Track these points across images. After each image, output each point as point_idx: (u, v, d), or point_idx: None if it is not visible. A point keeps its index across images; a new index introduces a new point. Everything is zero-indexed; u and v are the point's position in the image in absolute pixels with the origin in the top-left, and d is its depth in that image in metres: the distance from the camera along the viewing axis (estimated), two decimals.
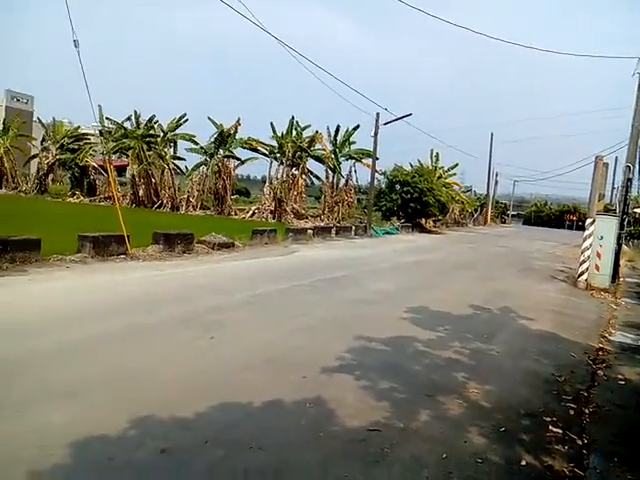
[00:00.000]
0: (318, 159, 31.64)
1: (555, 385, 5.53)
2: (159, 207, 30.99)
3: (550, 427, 4.38)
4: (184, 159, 33.64)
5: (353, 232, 23.45)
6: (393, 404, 4.60)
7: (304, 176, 31.43)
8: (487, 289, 11.48)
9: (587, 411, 4.80)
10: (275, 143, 30.84)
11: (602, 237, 13.17)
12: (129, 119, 32.67)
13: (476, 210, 51.98)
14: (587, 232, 13.26)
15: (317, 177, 33.05)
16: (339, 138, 31.41)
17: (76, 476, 3.21)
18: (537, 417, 4.59)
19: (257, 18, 16.93)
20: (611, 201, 37.86)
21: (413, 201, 30.57)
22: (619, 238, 14.29)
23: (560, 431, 4.32)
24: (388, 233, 26.59)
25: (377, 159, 26.82)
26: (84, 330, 6.02)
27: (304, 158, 30.71)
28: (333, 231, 21.96)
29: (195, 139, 31.79)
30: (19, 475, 3.10)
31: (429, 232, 32.10)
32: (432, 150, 38.35)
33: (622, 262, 16.49)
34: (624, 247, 17.89)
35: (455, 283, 12.29)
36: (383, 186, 32.78)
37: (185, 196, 31.35)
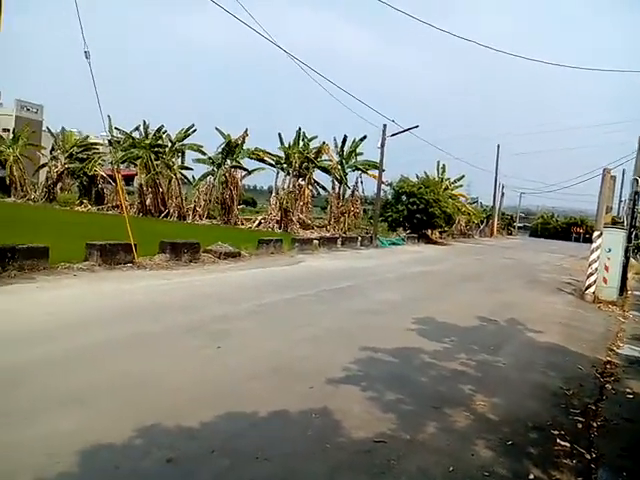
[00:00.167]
0: (325, 170, 31.77)
1: (563, 398, 5.48)
2: (166, 216, 31.15)
3: (558, 441, 4.34)
4: (192, 169, 33.90)
5: (359, 242, 23.44)
6: (399, 415, 4.58)
7: (310, 186, 31.54)
8: (494, 301, 11.43)
9: (595, 425, 4.76)
10: (282, 154, 31.01)
11: (610, 250, 13.09)
12: (137, 129, 33.00)
13: (482, 222, 51.83)
14: (595, 245, 13.20)
15: (323, 188, 33.17)
16: (346, 149, 31.55)
17: None
18: (545, 430, 4.55)
19: (264, 28, 17.08)
20: (619, 214, 37.67)
21: (419, 212, 30.55)
22: (627, 251, 14.21)
23: (568, 445, 4.28)
24: (394, 244, 26.57)
25: (383, 170, 26.90)
26: (91, 338, 6.05)
27: (311, 169, 30.83)
28: (339, 241, 21.96)
29: (203, 149, 32.04)
30: None
31: (435, 243, 32.04)
32: (438, 162, 38.46)
33: (630, 275, 16.37)
34: (632, 260, 17.78)
35: (461, 294, 12.24)
36: (389, 197, 32.80)
37: (192, 205, 31.52)
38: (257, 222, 29.68)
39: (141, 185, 32.06)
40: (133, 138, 32.62)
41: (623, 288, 14.06)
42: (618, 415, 5.05)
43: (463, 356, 6.66)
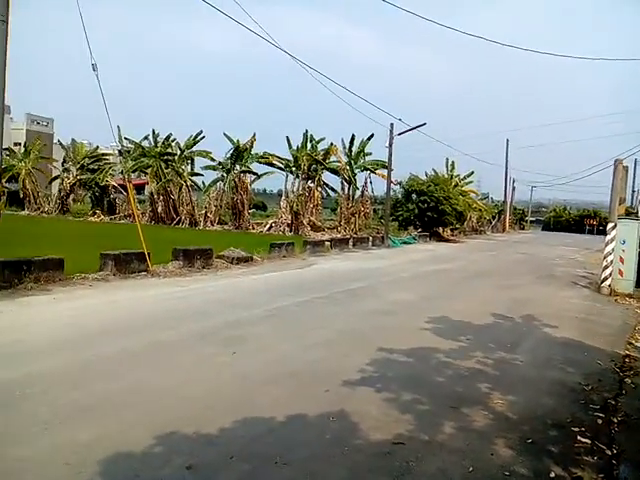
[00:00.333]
0: (333, 171, 31.75)
1: (582, 394, 5.42)
2: (178, 223, 31.35)
3: (578, 437, 4.29)
4: (202, 174, 34.06)
5: (370, 243, 23.40)
6: (417, 416, 4.56)
7: (320, 188, 31.53)
8: (508, 297, 11.34)
9: (615, 420, 4.70)
10: (290, 157, 31.07)
11: (624, 241, 12.93)
12: (147, 138, 33.25)
13: (494, 217, 51.47)
14: (609, 237, 13.05)
15: (333, 189, 33.15)
16: (354, 149, 31.50)
17: None
18: (565, 427, 4.51)
19: (267, 32, 17.15)
20: (632, 204, 37.21)
21: (430, 210, 30.43)
22: None
23: (589, 441, 4.23)
24: (406, 243, 26.49)
25: (392, 170, 26.82)
26: (108, 347, 6.10)
27: (319, 171, 30.84)
28: (350, 242, 21.95)
29: (212, 155, 32.20)
30: None
31: (447, 241, 31.88)
32: (447, 159, 38.24)
33: None
34: None
35: (476, 292, 12.17)
36: (399, 196, 32.73)
37: (203, 212, 31.68)
38: (268, 226, 29.76)
39: (152, 193, 32.28)
40: (143, 147, 32.87)
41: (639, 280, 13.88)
42: (639, 410, 4.98)
43: (479, 354, 6.62)
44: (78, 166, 36.84)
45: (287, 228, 28.85)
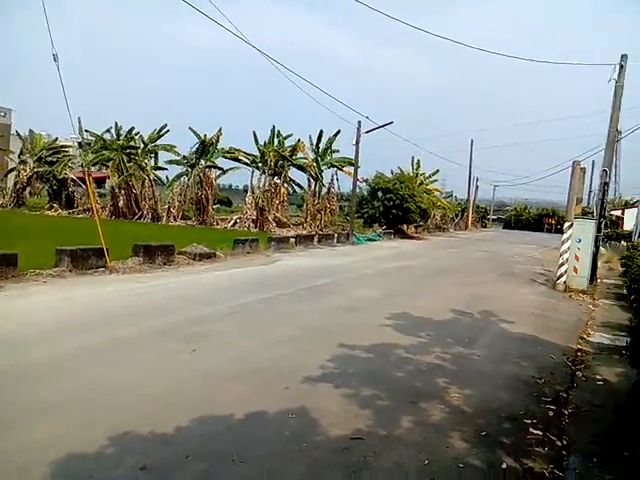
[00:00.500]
0: (300, 167, 31.68)
1: (535, 387, 5.60)
2: (140, 218, 30.69)
3: (530, 429, 4.43)
4: (166, 169, 33.43)
5: (335, 240, 23.49)
6: (376, 411, 4.62)
7: (286, 185, 31.42)
8: (468, 294, 11.58)
9: (566, 412, 4.87)
10: (257, 152, 30.83)
11: (580, 240, 13.41)
12: (109, 131, 32.42)
13: (457, 215, 52.44)
14: (565, 235, 13.50)
15: (299, 185, 33.08)
16: (321, 146, 31.52)
17: None
18: (518, 420, 4.64)
19: (235, 25, 16.93)
20: (589, 204, 38.60)
21: (395, 208, 30.75)
22: (596, 240, 14.56)
23: (540, 433, 4.37)
24: (370, 240, 26.70)
25: (359, 167, 26.96)
26: (63, 345, 5.93)
27: (286, 167, 30.72)
28: (315, 239, 21.97)
29: (176, 149, 31.65)
30: None
31: (411, 238, 32.31)
32: (413, 157, 38.70)
33: (600, 264, 16.77)
34: (601, 249, 18.21)
35: (437, 288, 12.38)
36: (365, 193, 32.95)
37: (166, 207, 31.12)
38: (233, 222, 29.46)
39: (113, 187, 31.49)
40: (104, 140, 32.02)
41: (593, 277, 14.42)
42: (589, 402, 5.17)
43: (438, 350, 6.74)
44: (35, 158, 35.62)
45: (252, 224, 28.63)
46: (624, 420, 4.64)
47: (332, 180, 32.34)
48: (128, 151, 31.11)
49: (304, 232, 26.00)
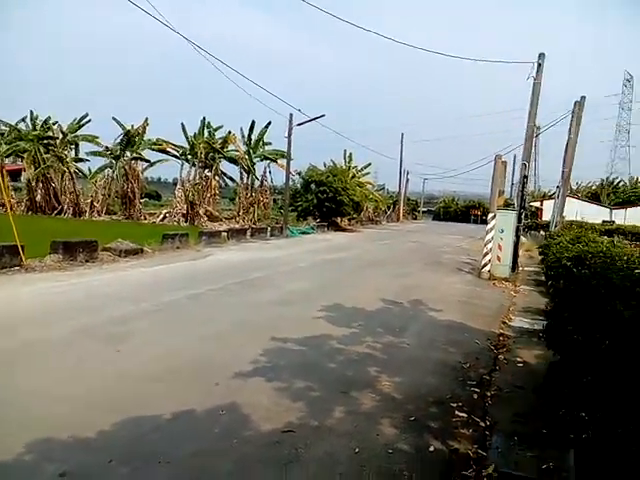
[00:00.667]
0: (232, 160, 31.15)
1: (461, 372, 5.80)
2: (60, 213, 28.97)
3: (456, 412, 4.58)
4: (88, 160, 31.78)
5: (269, 233, 23.32)
6: (308, 403, 4.60)
7: (217, 178, 30.79)
8: (399, 284, 11.86)
9: (489, 394, 5.08)
10: (186, 144, 29.98)
11: (503, 230, 14.11)
12: (24, 120, 30.36)
13: (389, 207, 53.74)
14: (489, 226, 14.16)
15: (231, 179, 32.56)
16: (253, 137, 31.12)
17: None
18: (445, 404, 4.79)
19: (160, 12, 16.28)
20: (511, 196, 40.72)
21: (328, 200, 30.99)
22: (517, 230, 15.35)
23: (465, 415, 4.53)
24: (304, 233, 26.75)
25: (292, 160, 26.90)
26: None
27: (217, 159, 30.10)
28: (248, 233, 21.70)
29: (99, 140, 30.14)
30: None
31: (344, 230, 32.70)
32: (345, 150, 39.16)
33: (521, 252, 17.70)
34: (522, 238, 19.24)
35: (369, 280, 12.58)
36: (298, 186, 32.95)
37: (89, 201, 29.57)
38: (162, 216, 28.50)
39: (29, 180, 29.50)
40: (19, 130, 29.93)
41: (515, 265, 15.20)
42: (510, 383, 5.42)
43: (369, 339, 6.84)
44: None
45: (182, 218, 27.84)
46: (542, 399, 4.90)
47: (265, 173, 32.12)
48: (46, 142, 29.26)
49: (237, 226, 25.62)
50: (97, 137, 30.33)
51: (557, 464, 3.57)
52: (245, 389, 4.87)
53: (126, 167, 28.75)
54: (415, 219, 65.32)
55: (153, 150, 30.05)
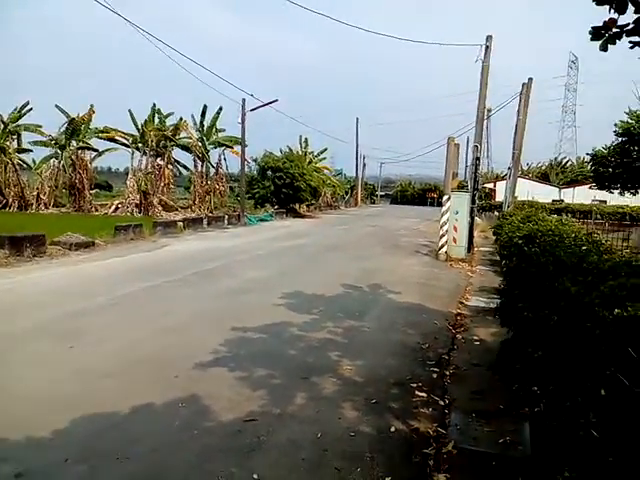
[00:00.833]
0: (185, 148, 30.45)
1: (420, 353, 5.92)
2: (4, 207, 27.63)
3: (416, 392, 4.67)
4: (31, 151, 30.34)
5: (226, 221, 23.02)
6: (269, 391, 4.58)
7: (170, 166, 30.06)
8: (358, 268, 11.95)
9: (448, 373, 5.20)
10: (136, 132, 29.05)
11: (457, 212, 14.40)
12: None
13: (347, 192, 54.01)
14: (444, 208, 14.43)
15: (185, 167, 31.90)
16: (206, 123, 30.46)
17: None
18: (405, 385, 4.87)
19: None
20: (465, 178, 41.60)
21: (285, 187, 30.78)
22: (472, 212, 15.73)
23: (425, 395, 4.62)
24: (262, 220, 26.54)
25: (246, 146, 26.52)
26: None
27: (169, 147, 29.35)
28: (205, 222, 21.35)
29: (42, 130, 28.79)
30: None
31: (303, 217, 32.65)
32: (301, 136, 38.95)
33: (476, 233, 18.15)
34: (477, 219, 19.73)
35: (328, 265, 12.62)
36: (255, 173, 32.54)
37: (35, 193, 28.29)
38: (114, 207, 27.62)
39: None
40: None
41: (470, 246, 15.60)
42: (468, 362, 5.56)
43: (330, 325, 6.86)
44: None
45: (136, 209, 27.07)
46: (497, 376, 5.05)
47: (220, 160, 31.59)
48: None
49: (193, 215, 25.15)
50: (40, 126, 29.01)
51: (513, 438, 3.70)
52: (206, 380, 4.81)
53: (73, 157, 27.60)
54: (373, 203, 65.96)
55: (101, 139, 28.99)
